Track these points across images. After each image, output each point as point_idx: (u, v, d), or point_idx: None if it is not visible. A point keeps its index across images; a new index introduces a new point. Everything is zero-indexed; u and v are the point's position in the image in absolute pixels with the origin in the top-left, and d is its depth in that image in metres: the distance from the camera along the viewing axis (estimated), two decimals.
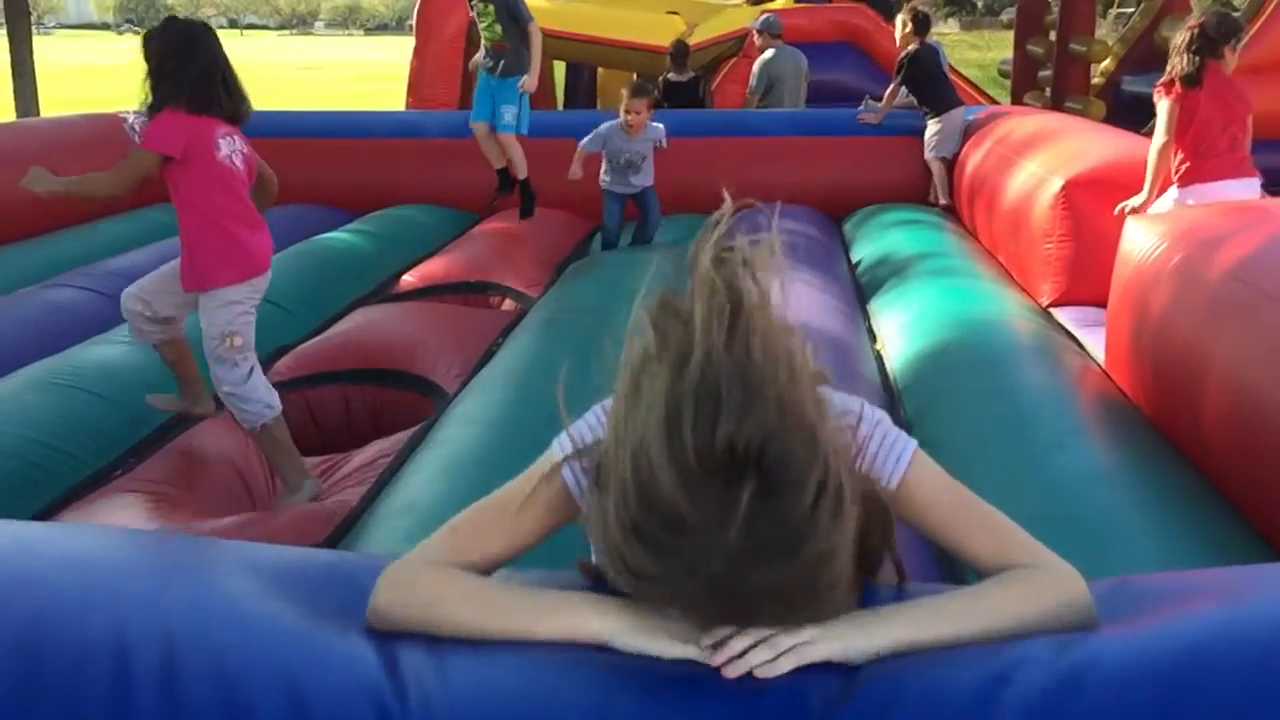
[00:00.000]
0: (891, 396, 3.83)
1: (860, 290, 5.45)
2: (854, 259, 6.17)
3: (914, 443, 1.24)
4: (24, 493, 3.03)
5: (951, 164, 7.10)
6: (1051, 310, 4.71)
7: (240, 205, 3.27)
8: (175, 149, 3.12)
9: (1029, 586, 1.13)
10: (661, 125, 6.10)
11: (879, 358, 4.31)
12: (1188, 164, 4.44)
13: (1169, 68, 4.50)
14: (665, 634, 1.05)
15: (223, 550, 1.32)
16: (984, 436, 3.18)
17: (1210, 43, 4.39)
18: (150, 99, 3.17)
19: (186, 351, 3.44)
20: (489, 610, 1.11)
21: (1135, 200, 4.51)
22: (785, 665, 1.02)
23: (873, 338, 4.60)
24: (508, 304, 5.35)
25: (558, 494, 1.21)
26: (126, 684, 1.04)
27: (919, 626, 1.07)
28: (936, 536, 1.23)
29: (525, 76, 6.14)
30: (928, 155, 7.29)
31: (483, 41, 6.32)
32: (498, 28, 6.06)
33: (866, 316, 4.94)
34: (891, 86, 7.53)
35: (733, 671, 1.01)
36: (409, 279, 5.61)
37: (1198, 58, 4.38)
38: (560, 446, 1.23)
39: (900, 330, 4.41)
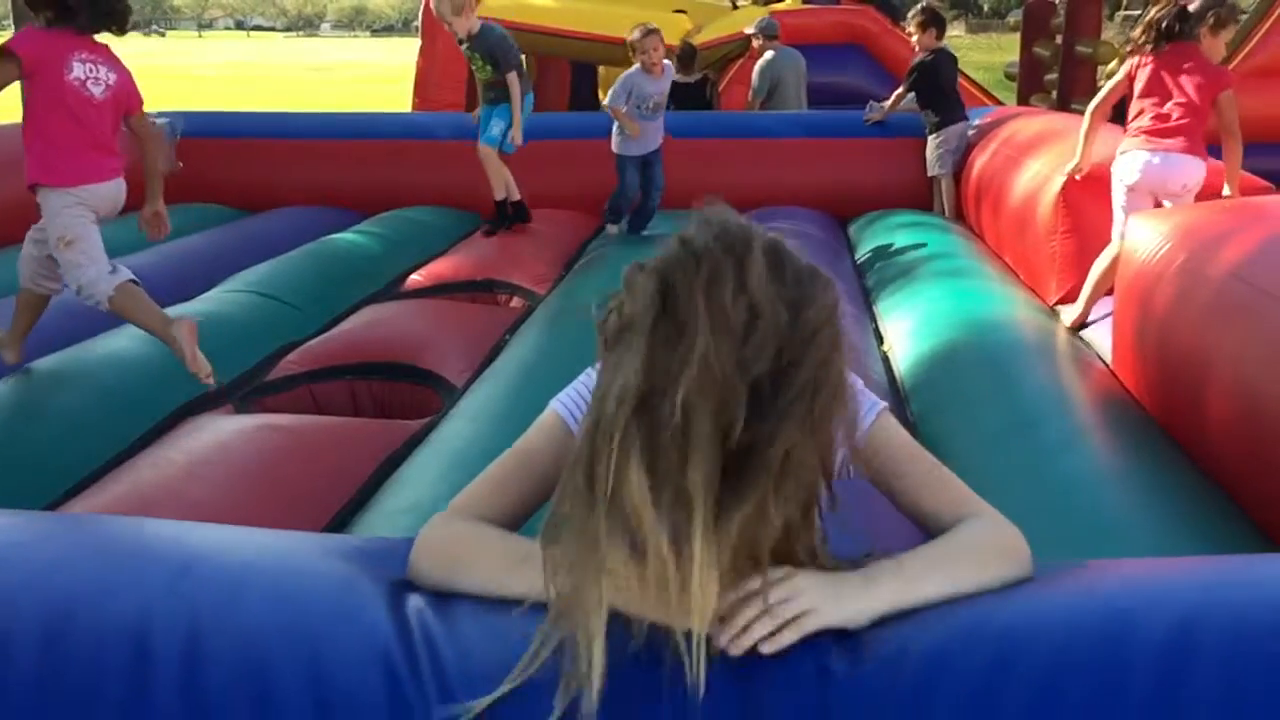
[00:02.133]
0: (899, 398, 3.84)
1: (866, 292, 5.46)
2: (860, 261, 6.18)
3: (881, 403, 1.30)
4: (35, 484, 3.06)
5: (956, 178, 7.01)
6: (1059, 308, 4.72)
7: (81, 128, 3.44)
8: (21, 53, 3.34)
9: (982, 546, 1.17)
10: (669, 61, 6.24)
11: (886, 359, 4.31)
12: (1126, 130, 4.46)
13: None
14: (661, 604, 1.02)
15: (230, 533, 1.37)
16: (991, 437, 3.19)
17: (1183, 20, 4.29)
18: None
19: (37, 314, 3.72)
20: (503, 569, 1.14)
21: (1070, 164, 4.69)
22: (787, 638, 1.03)
23: (880, 339, 4.61)
24: (515, 301, 5.36)
25: (562, 436, 1.30)
26: (147, 662, 1.07)
27: (899, 590, 1.09)
28: (893, 491, 1.28)
29: (512, 130, 6.15)
30: (935, 172, 7.12)
31: (478, 82, 6.39)
32: (489, 68, 6.16)
33: (873, 318, 4.95)
34: (900, 89, 7.36)
35: (737, 649, 1.03)
36: (417, 278, 5.63)
37: (1158, 29, 4.32)
38: (559, 401, 1.34)
39: (907, 332, 4.42)
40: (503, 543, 1.20)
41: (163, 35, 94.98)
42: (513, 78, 6.10)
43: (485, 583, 1.14)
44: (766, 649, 1.03)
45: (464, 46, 6.17)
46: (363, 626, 1.10)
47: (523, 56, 6.73)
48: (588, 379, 1.33)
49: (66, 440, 3.30)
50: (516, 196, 6.36)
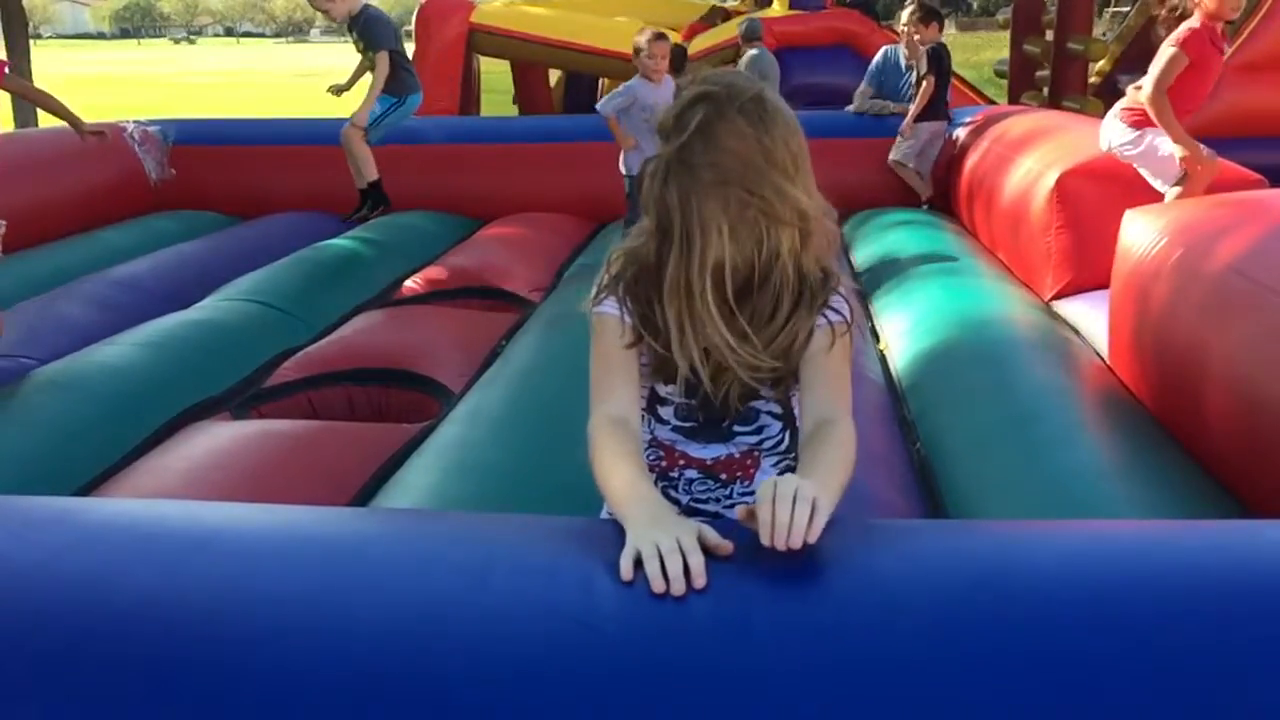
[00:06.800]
0: (896, 396, 3.84)
1: (862, 291, 5.45)
2: (854, 260, 6.17)
3: (856, 319, 1.64)
4: (32, 493, 3.03)
5: (946, 173, 7.03)
6: (1055, 304, 4.72)
7: None
8: None
9: (848, 459, 1.49)
10: (670, 76, 6.11)
11: (882, 358, 4.31)
12: None
13: None
14: (651, 540, 1.24)
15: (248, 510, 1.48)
16: (988, 434, 3.19)
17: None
18: None
19: None
20: (605, 485, 1.45)
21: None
22: (819, 522, 1.21)
23: (876, 338, 4.61)
24: (510, 308, 5.35)
25: (614, 322, 1.57)
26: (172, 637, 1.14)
27: (833, 490, 1.37)
28: (805, 383, 1.60)
29: (361, 111, 6.25)
30: (897, 158, 7.18)
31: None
32: (368, 52, 6.32)
33: (869, 317, 4.95)
34: (926, 82, 7.11)
35: (795, 540, 1.19)
36: (411, 284, 5.61)
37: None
38: (586, 306, 1.60)
39: (903, 330, 4.42)
40: (606, 462, 1.48)
41: (192, 42, 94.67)
42: (381, 57, 6.13)
43: (603, 489, 1.44)
44: (812, 539, 1.20)
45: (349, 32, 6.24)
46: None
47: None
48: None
49: (64, 449, 3.28)
50: (375, 175, 6.31)
